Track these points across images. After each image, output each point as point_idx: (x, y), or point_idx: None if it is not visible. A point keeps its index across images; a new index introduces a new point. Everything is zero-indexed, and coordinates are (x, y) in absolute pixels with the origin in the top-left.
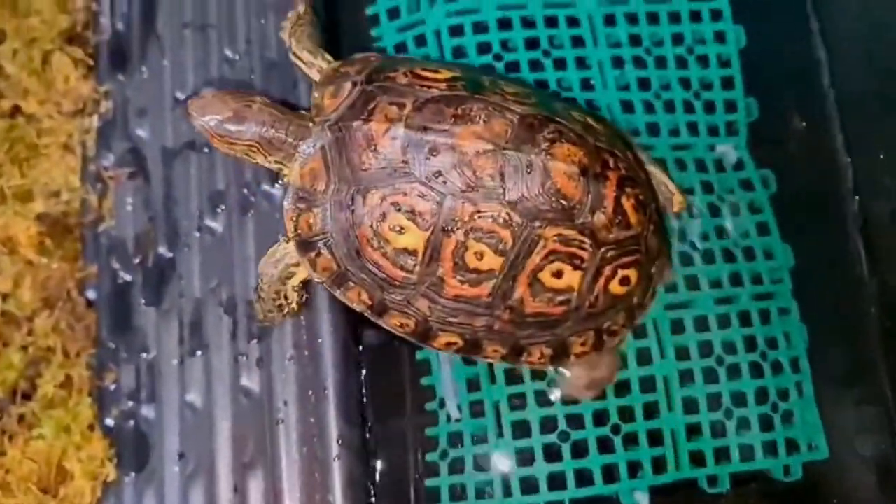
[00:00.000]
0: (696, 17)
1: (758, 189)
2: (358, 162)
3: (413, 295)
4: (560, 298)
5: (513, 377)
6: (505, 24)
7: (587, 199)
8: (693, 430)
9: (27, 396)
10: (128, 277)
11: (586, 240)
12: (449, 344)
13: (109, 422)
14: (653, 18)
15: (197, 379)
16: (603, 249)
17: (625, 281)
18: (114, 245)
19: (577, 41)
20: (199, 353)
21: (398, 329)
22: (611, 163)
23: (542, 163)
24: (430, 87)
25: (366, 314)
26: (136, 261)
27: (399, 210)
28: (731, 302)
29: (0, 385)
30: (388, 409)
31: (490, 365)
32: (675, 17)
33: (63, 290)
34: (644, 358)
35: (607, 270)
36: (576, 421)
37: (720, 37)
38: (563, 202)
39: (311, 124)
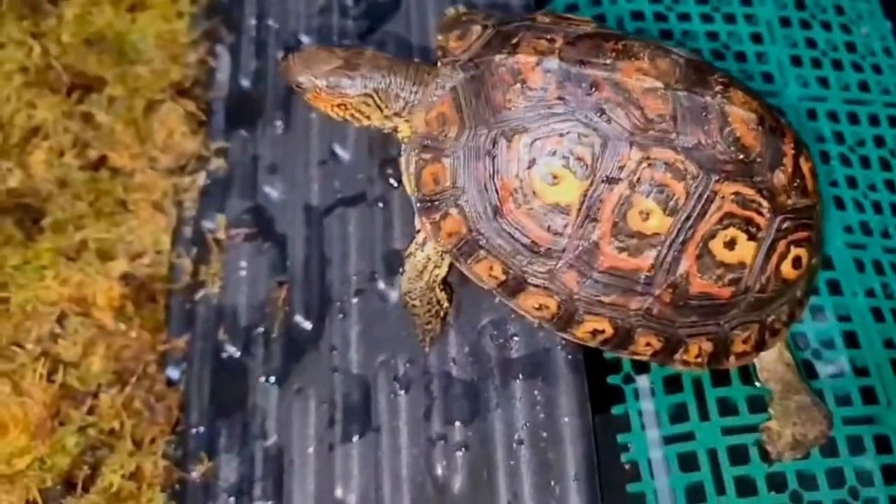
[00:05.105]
0: (893, 122)
1: None
2: (501, 100)
3: (559, 266)
4: (730, 276)
5: (745, 487)
6: None
7: (766, 154)
8: None
9: (86, 488)
10: (236, 352)
11: (764, 203)
12: (595, 332)
13: None
14: (853, 118)
15: (350, 470)
16: (780, 218)
17: (797, 262)
18: (219, 314)
19: None
20: (357, 437)
21: (535, 312)
22: (782, 120)
23: (720, 106)
24: (578, 25)
25: (496, 293)
26: (258, 331)
27: (553, 155)
28: None
29: (49, 471)
30: None
31: (717, 472)
32: (873, 120)
33: (140, 364)
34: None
35: (781, 246)
36: None
37: None
38: (742, 154)
39: (434, 68)
